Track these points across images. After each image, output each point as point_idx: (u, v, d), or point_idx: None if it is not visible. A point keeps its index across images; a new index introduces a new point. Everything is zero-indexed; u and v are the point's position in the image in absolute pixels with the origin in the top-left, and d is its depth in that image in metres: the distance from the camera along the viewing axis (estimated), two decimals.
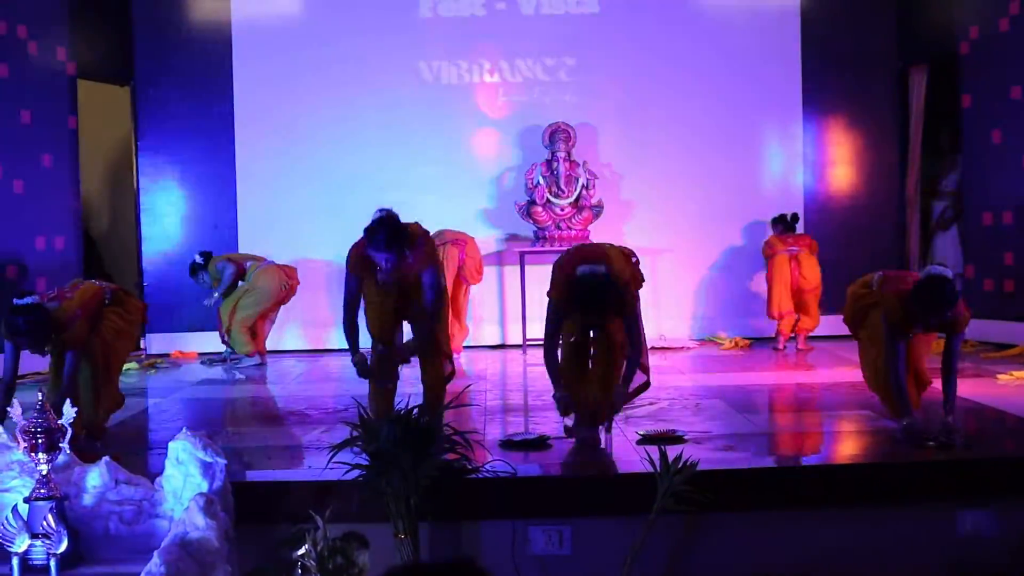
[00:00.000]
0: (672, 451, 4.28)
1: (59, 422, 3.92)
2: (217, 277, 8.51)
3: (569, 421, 5.25)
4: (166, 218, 9.42)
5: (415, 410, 4.21)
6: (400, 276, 5.26)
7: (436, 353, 5.55)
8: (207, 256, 8.66)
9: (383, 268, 5.21)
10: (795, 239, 8.76)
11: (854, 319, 5.54)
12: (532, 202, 9.12)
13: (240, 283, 8.48)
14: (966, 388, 6.40)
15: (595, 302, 4.87)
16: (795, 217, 8.86)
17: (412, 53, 9.44)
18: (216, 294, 8.48)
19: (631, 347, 5.06)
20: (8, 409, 4.03)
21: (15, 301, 4.97)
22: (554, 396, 5.10)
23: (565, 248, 9.33)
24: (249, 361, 8.37)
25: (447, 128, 9.29)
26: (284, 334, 9.02)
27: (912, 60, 9.56)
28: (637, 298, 5.13)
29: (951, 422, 4.99)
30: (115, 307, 5.42)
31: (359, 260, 5.27)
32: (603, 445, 5.12)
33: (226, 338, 8.51)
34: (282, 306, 8.62)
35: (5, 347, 5.11)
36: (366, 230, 5.18)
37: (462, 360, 8.50)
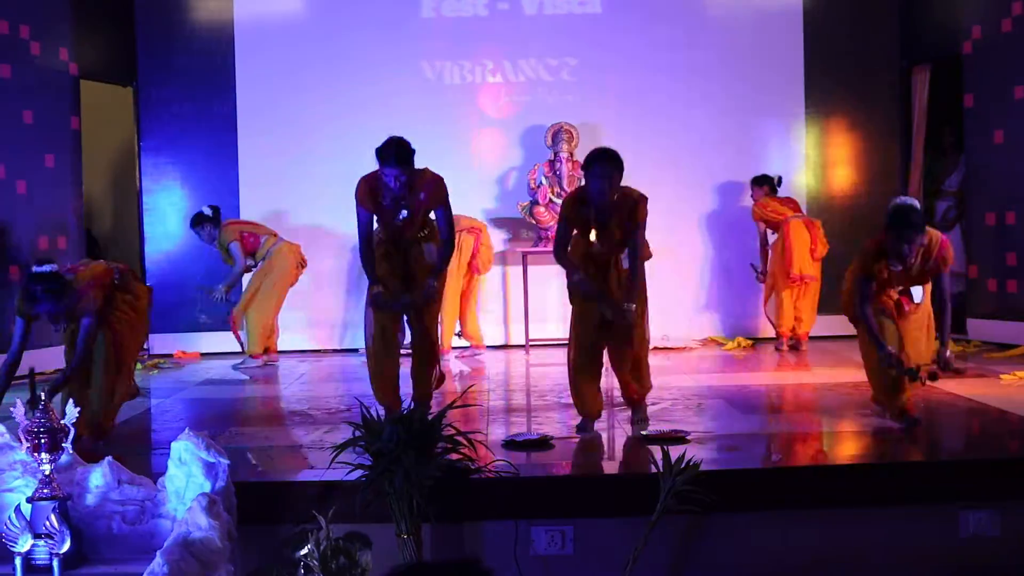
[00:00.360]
0: (675, 451, 4.28)
1: (62, 422, 3.92)
2: (225, 250, 8.37)
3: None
4: (169, 218, 9.42)
5: (417, 410, 4.21)
6: (411, 207, 5.47)
7: (432, 361, 5.75)
8: (216, 211, 8.49)
9: (393, 190, 5.40)
10: (793, 203, 8.81)
11: (851, 304, 5.54)
12: (535, 202, 9.12)
13: (252, 262, 8.38)
14: (969, 388, 6.41)
15: (607, 162, 5.13)
16: (780, 180, 8.91)
17: (415, 53, 9.44)
18: (222, 287, 8.41)
19: (633, 256, 5.24)
20: (10, 410, 4.01)
21: (34, 268, 5.07)
22: (574, 281, 5.22)
23: None
24: (253, 362, 8.33)
25: (450, 128, 9.28)
26: (287, 334, 9.00)
27: (915, 60, 9.56)
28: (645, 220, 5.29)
29: (948, 355, 5.19)
30: (124, 293, 5.46)
31: (367, 190, 5.50)
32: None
33: (240, 333, 8.41)
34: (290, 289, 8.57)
35: (16, 324, 5.19)
36: (377, 149, 5.42)
37: (483, 358, 8.52)
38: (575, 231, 5.32)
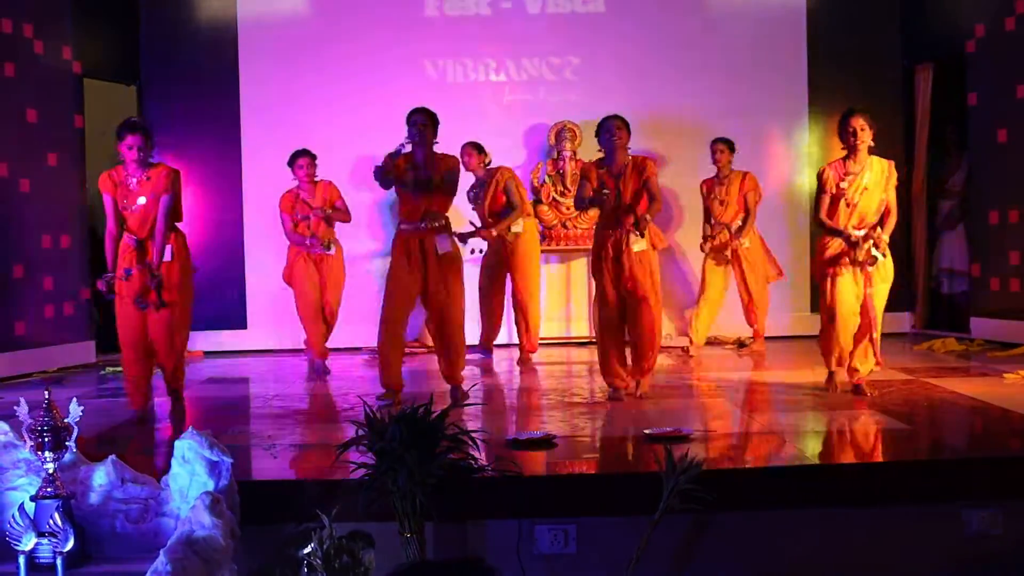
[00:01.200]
0: (678, 450, 4.28)
1: (65, 420, 3.92)
2: (341, 206, 8.15)
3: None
4: None
5: (420, 409, 4.21)
6: (431, 166, 6.29)
7: (456, 345, 6.34)
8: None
9: (412, 138, 6.27)
10: None
11: (818, 272, 6.31)
12: (538, 201, 9.12)
13: (328, 248, 8.11)
14: (973, 387, 6.40)
15: (618, 119, 6.36)
16: None
17: (418, 52, 9.46)
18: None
19: (652, 200, 6.21)
20: (14, 408, 4.01)
21: (128, 119, 6.11)
22: (592, 198, 6.28)
23: (571, 247, 9.41)
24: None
25: (452, 127, 9.26)
26: (289, 333, 9.01)
27: (918, 59, 9.56)
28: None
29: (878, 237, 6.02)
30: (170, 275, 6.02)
31: (396, 160, 6.26)
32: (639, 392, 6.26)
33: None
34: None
35: (105, 201, 5.99)
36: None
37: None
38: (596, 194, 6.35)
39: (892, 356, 7.98)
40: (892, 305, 9.45)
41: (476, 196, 8.33)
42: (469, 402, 6.20)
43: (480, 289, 8.40)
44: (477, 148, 8.29)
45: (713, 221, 8.50)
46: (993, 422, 5.59)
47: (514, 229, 8.27)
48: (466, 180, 8.47)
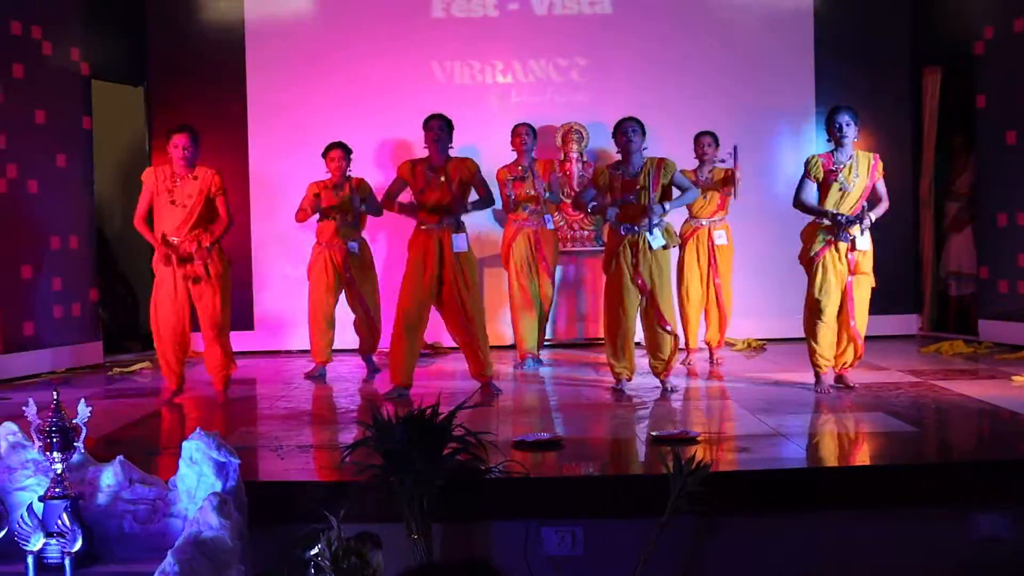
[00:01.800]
0: (685, 452, 4.28)
1: (74, 421, 3.93)
2: (365, 199, 7.88)
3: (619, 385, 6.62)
4: None
5: (428, 410, 4.21)
6: (448, 171, 6.56)
7: (478, 338, 6.61)
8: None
9: (430, 144, 6.59)
10: None
11: (805, 260, 6.58)
12: None
13: (353, 248, 7.89)
14: (980, 390, 6.39)
15: (634, 120, 6.61)
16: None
17: (425, 53, 9.46)
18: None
19: (681, 188, 6.66)
20: (22, 409, 4.02)
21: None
22: (596, 206, 6.61)
23: (578, 249, 9.40)
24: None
25: (459, 128, 9.25)
26: (296, 334, 9.01)
27: (926, 61, 9.54)
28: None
29: (867, 222, 6.31)
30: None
31: (409, 166, 6.69)
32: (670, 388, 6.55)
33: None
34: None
35: (143, 190, 6.67)
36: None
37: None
38: (605, 196, 6.63)
39: (900, 358, 7.98)
40: (899, 307, 9.52)
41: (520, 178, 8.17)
42: (475, 403, 6.19)
43: (521, 288, 8.17)
44: (534, 131, 8.30)
45: (691, 216, 8.06)
46: (1001, 425, 5.58)
47: (548, 226, 8.30)
48: (504, 158, 8.48)
